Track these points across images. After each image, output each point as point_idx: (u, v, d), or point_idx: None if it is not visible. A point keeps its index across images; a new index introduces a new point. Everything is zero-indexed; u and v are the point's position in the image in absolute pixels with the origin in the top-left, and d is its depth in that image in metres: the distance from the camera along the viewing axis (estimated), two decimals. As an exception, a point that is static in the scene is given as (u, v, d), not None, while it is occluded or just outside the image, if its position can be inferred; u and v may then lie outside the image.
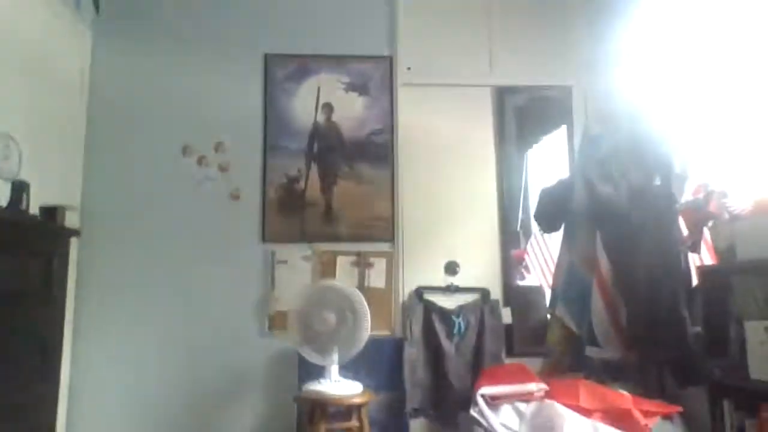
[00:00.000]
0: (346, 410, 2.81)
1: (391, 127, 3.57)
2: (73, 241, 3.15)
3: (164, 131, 3.48)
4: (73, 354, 3.27)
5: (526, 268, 3.79)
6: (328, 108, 3.57)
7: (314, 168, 3.52)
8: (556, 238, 3.36)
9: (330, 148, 3.54)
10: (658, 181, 2.71)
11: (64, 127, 3.28)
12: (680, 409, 2.39)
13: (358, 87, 3.60)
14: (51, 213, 2.76)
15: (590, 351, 2.91)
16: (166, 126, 3.49)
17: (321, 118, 3.56)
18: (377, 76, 3.62)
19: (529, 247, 3.81)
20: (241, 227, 3.43)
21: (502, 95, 3.71)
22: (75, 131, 3.40)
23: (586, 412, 2.39)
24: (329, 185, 3.51)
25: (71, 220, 3.11)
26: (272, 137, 3.52)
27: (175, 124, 3.49)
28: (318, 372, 2.88)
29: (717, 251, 2.38)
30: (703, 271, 2.41)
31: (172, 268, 3.37)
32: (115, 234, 3.39)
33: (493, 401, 2.64)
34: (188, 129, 3.49)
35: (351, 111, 3.58)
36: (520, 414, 2.59)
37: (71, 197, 3.30)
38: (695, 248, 2.47)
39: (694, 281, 2.50)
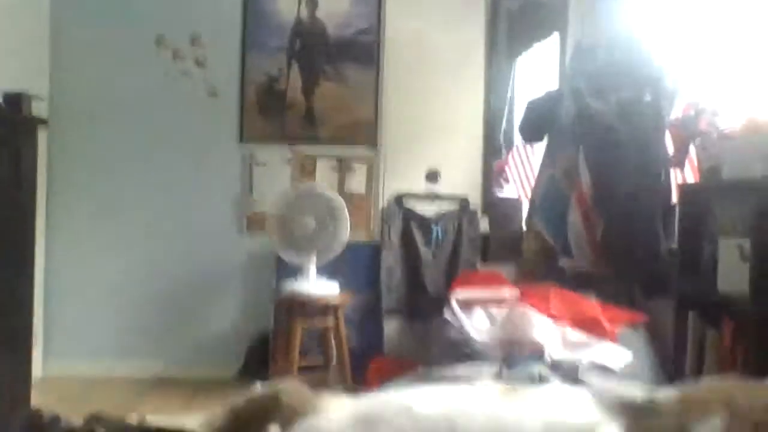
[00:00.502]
0: (323, 310, 2.87)
1: (378, 27, 3.39)
2: (43, 135, 3.01)
3: (137, 19, 3.27)
4: (47, 252, 3.22)
5: (506, 179, 3.80)
6: (313, 3, 3.35)
7: (295, 67, 3.36)
8: (538, 150, 3.35)
9: (313, 47, 3.37)
10: (648, 98, 2.67)
11: (27, 14, 3.03)
12: (646, 318, 2.50)
13: (345, -20, 3.38)
14: (15, 100, 2.60)
15: (563, 261, 2.99)
16: (139, 13, 3.27)
17: (304, 13, 3.35)
18: (365, -31, 3.38)
19: (510, 158, 3.79)
20: (219, 126, 3.33)
21: (495, -2, 3.53)
22: (39, 18, 3.15)
23: (556, 319, 2.48)
24: (311, 86, 3.37)
25: (39, 110, 2.95)
26: (252, 33, 3.32)
27: (149, 12, 3.27)
28: (296, 271, 2.91)
29: (701, 169, 2.39)
30: (684, 189, 2.43)
31: (146, 163, 3.29)
32: (86, 126, 3.26)
33: (467, 305, 2.72)
34: (162, 18, 3.28)
35: (337, 6, 3.37)
36: (491, 318, 2.68)
37: (38, 88, 3.11)
38: (679, 165, 2.47)
39: (674, 199, 2.54)
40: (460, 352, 2.27)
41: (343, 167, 3.38)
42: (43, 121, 2.94)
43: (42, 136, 3.02)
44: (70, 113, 3.24)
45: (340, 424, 0.74)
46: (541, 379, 1.10)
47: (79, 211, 3.26)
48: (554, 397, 0.73)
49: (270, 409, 0.84)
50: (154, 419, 0.98)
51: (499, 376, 1.28)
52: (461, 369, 1.46)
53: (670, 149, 2.55)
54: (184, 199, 3.32)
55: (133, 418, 0.97)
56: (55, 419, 0.73)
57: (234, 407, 0.89)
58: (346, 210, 2.85)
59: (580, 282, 2.83)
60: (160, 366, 3.21)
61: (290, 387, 0.88)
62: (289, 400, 0.83)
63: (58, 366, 3.18)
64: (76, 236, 3.26)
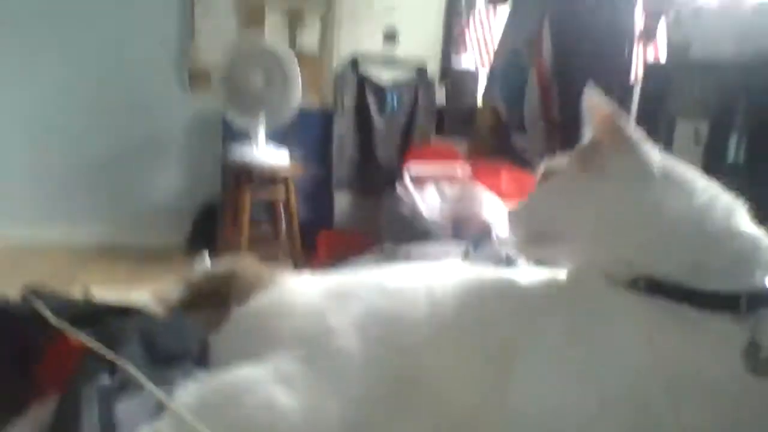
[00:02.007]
0: (273, 180, 2.76)
1: None
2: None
3: None
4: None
5: (465, 45, 3.63)
6: None
7: None
8: (501, 17, 3.19)
9: None
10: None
11: None
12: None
13: None
14: None
15: (516, 138, 2.97)
16: None
17: None
18: None
19: (470, 21, 3.59)
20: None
21: None
22: None
23: (506, 197, 2.49)
24: None
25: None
26: None
27: None
28: (244, 137, 2.74)
29: (669, 46, 2.32)
30: (648, 67, 2.37)
31: (72, 11, 2.88)
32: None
33: (419, 181, 2.69)
34: None
35: None
36: (443, 195, 2.67)
37: None
38: (648, 39, 2.39)
39: (635, 76, 2.49)
40: (411, 228, 2.27)
41: (294, 21, 3.09)
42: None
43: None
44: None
45: (308, 298, 0.70)
46: (509, 262, 1.09)
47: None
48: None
49: (228, 284, 0.79)
50: (99, 292, 0.90)
51: (466, 256, 1.27)
52: (428, 247, 1.45)
53: (640, 22, 2.45)
54: (118, 49, 2.97)
55: (76, 292, 0.89)
56: None
57: (189, 282, 0.83)
58: (297, 66, 2.64)
59: (530, 158, 2.83)
60: (101, 234, 3.04)
61: (247, 264, 0.83)
62: (248, 276, 0.78)
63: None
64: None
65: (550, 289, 0.67)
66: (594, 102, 0.66)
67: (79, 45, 2.95)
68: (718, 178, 0.65)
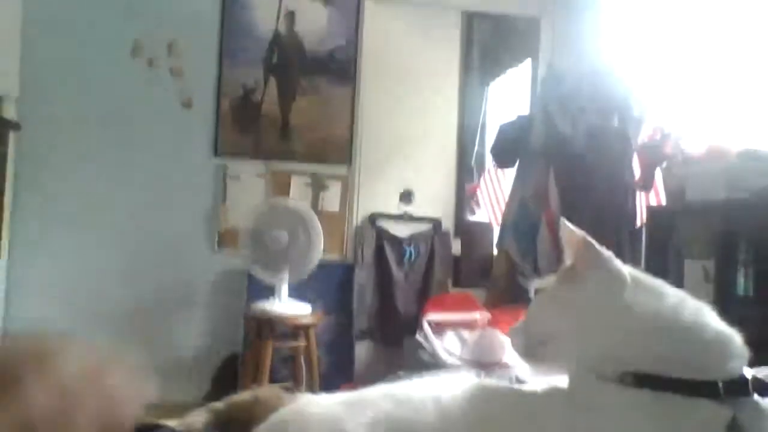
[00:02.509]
0: (294, 330, 2.82)
1: (355, 44, 3.41)
2: (11, 136, 2.94)
3: (112, 25, 3.21)
4: (9, 258, 3.10)
5: (477, 203, 3.84)
6: (291, 17, 3.36)
7: (272, 81, 3.35)
8: (509, 175, 3.40)
9: (290, 61, 3.37)
10: (615, 122, 2.75)
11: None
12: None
13: (324, -3, 3.40)
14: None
15: (531, 284, 3.01)
16: (115, 19, 3.21)
17: (282, 27, 3.36)
18: (344, -14, 3.42)
19: (482, 182, 3.84)
20: (192, 138, 3.28)
21: (470, 21, 3.61)
22: (11, 20, 3.09)
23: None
24: (288, 100, 3.36)
25: (8, 112, 2.90)
26: (229, 43, 3.31)
27: (126, 18, 3.22)
28: (267, 292, 2.86)
29: (667, 192, 2.45)
30: (651, 210, 2.49)
31: (116, 171, 3.21)
32: (56, 131, 3.17)
33: (438, 327, 2.71)
34: (139, 25, 3.23)
35: (314, 22, 3.39)
36: (462, 341, 2.67)
37: (8, 90, 3.04)
38: (646, 188, 2.54)
39: (640, 221, 2.59)
40: (431, 373, 2.25)
41: (317, 184, 3.36)
42: (16, 126, 2.87)
43: (11, 140, 2.96)
44: (41, 117, 3.15)
45: (325, 407, 0.74)
46: (519, 381, 1.12)
47: (44, 219, 3.15)
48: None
49: (251, 409, 0.83)
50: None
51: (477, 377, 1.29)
52: (441, 375, 1.46)
53: (637, 172, 2.61)
54: (154, 211, 3.24)
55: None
56: None
57: (214, 409, 0.87)
58: (319, 225, 2.83)
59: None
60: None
61: (269, 390, 0.88)
62: (270, 401, 0.83)
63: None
64: (39, 244, 3.14)
65: (550, 391, 0.72)
66: (567, 231, 0.76)
67: (124, 216, 3.21)
68: (731, 311, 0.72)
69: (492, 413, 0.70)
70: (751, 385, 0.61)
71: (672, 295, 0.70)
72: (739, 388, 0.60)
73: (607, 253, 0.74)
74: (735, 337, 0.66)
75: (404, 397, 0.74)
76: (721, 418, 0.58)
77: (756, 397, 0.60)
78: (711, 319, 0.67)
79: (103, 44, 3.21)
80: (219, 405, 0.91)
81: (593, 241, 0.74)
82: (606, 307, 0.70)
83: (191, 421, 0.89)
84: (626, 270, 0.73)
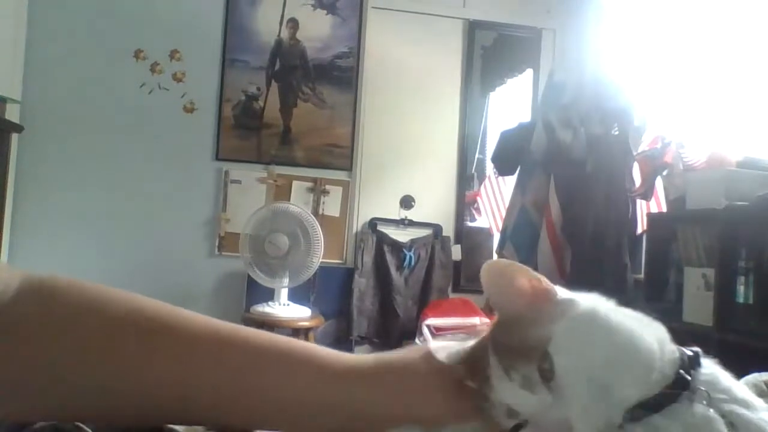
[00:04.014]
0: (293, 334, 2.81)
1: (357, 52, 3.44)
2: (14, 138, 2.96)
3: (116, 29, 3.24)
4: (9, 259, 3.11)
5: (478, 210, 3.84)
6: (294, 24, 3.39)
7: (274, 87, 3.37)
8: (509, 182, 3.40)
9: (292, 68, 3.39)
10: (616, 131, 2.76)
11: (4, 19, 3.00)
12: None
13: (327, 5, 3.42)
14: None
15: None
16: (119, 24, 3.25)
17: (285, 34, 3.39)
18: (348, -6, 3.44)
19: (482, 189, 3.85)
20: (194, 142, 3.30)
21: (472, 30, 3.63)
22: (16, 23, 3.12)
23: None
24: (289, 106, 3.38)
25: (11, 113, 2.91)
26: (232, 50, 3.34)
27: (129, 23, 3.25)
28: (267, 295, 2.86)
29: (667, 200, 2.47)
30: (651, 218, 2.50)
31: (118, 175, 3.22)
32: (58, 134, 3.19)
33: (438, 332, 2.71)
34: (142, 30, 3.26)
35: (317, 30, 3.42)
36: (462, 345, 2.67)
37: (11, 92, 3.06)
38: (647, 196, 2.55)
39: (641, 229, 2.60)
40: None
41: (318, 189, 3.37)
42: (18, 128, 2.89)
43: (13, 139, 2.98)
44: (43, 120, 3.17)
45: None
46: None
47: (44, 221, 3.17)
48: None
49: None
50: None
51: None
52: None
53: (638, 181, 2.62)
54: (155, 215, 3.25)
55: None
56: None
57: None
58: (319, 229, 2.84)
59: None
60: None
61: None
62: None
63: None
64: (40, 246, 3.15)
65: None
66: None
67: (125, 219, 3.22)
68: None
69: None
70: None
71: None
72: None
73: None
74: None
75: None
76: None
77: None
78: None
79: (106, 49, 3.24)
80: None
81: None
82: None
83: (200, 429, 0.89)
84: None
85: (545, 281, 0.44)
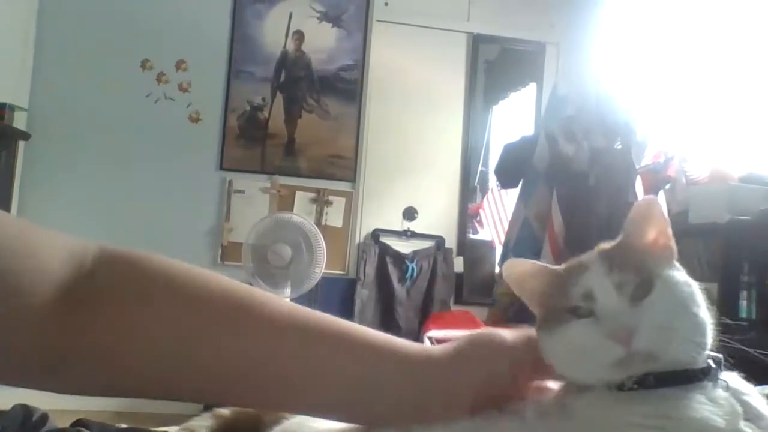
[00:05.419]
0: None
1: (362, 64, 3.47)
2: (20, 145, 2.99)
3: (123, 39, 3.27)
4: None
5: (480, 222, 3.85)
6: (299, 36, 3.43)
7: (279, 98, 3.40)
8: (512, 195, 3.41)
9: (297, 79, 3.42)
10: (618, 145, 2.77)
11: (13, 27, 3.04)
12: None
13: (332, 18, 3.46)
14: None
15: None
16: (126, 34, 3.28)
17: (290, 46, 3.42)
18: (353, 8, 3.48)
19: (485, 202, 3.85)
20: (199, 152, 3.32)
21: (476, 44, 3.66)
22: (25, 32, 3.16)
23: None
24: (294, 117, 3.40)
25: (19, 121, 2.94)
26: (237, 61, 3.37)
27: (136, 33, 3.29)
28: (268, 305, 2.86)
29: (670, 214, 2.47)
30: (653, 233, 2.50)
31: (122, 184, 3.24)
32: (63, 142, 3.22)
33: (439, 344, 2.70)
34: (149, 40, 3.30)
35: (322, 42, 3.45)
36: (464, 358, 2.66)
37: (18, 100, 3.09)
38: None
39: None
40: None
41: (321, 200, 3.38)
42: (25, 135, 2.92)
43: (20, 148, 3.01)
44: (49, 128, 3.19)
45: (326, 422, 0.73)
46: None
47: (50, 227, 3.17)
48: None
49: (257, 415, 0.82)
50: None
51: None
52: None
53: (641, 195, 2.63)
54: (159, 223, 3.26)
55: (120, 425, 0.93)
56: (44, 416, 0.69)
57: (219, 414, 0.87)
58: (322, 240, 2.84)
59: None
60: (128, 399, 3.04)
61: None
62: None
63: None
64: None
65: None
66: None
67: (129, 227, 3.21)
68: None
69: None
70: None
71: None
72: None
73: None
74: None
75: None
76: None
77: None
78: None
79: (113, 59, 3.27)
80: (224, 411, 0.90)
81: None
82: None
83: (195, 426, 0.89)
84: None
85: (673, 242, 0.53)
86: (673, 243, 0.52)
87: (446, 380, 0.49)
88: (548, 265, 0.54)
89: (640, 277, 0.48)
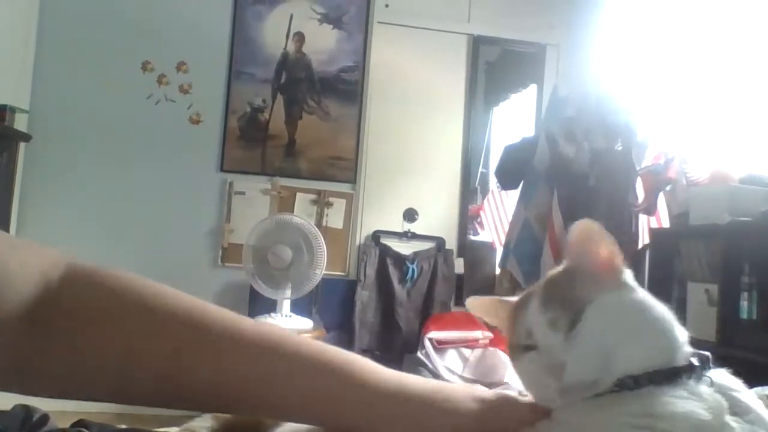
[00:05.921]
0: (295, 345, 2.80)
1: (362, 65, 3.47)
2: (21, 147, 3.00)
3: (124, 41, 3.28)
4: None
5: (481, 224, 3.85)
6: (300, 38, 3.43)
7: (280, 99, 3.40)
8: (512, 196, 3.42)
9: (298, 81, 3.43)
10: (619, 146, 2.77)
11: (13, 29, 3.05)
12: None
13: (333, 19, 3.47)
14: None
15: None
16: (127, 36, 3.29)
17: (291, 47, 3.43)
18: (353, 9, 3.49)
19: (485, 203, 3.85)
20: (199, 153, 3.32)
21: (476, 46, 3.66)
22: (26, 34, 3.16)
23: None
24: (294, 119, 3.41)
25: (20, 122, 2.95)
26: (238, 63, 3.37)
27: (137, 35, 3.29)
28: (269, 307, 2.86)
29: (670, 215, 2.47)
30: (654, 233, 2.50)
31: (122, 185, 3.24)
32: (64, 143, 3.22)
33: (440, 345, 2.71)
34: (150, 42, 3.30)
35: (323, 44, 3.45)
36: (464, 359, 2.67)
37: (19, 101, 3.09)
38: (650, 211, 2.55)
39: (644, 244, 2.60)
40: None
41: (321, 201, 3.39)
42: (26, 137, 2.92)
43: (21, 150, 3.01)
44: (50, 129, 3.20)
45: None
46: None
47: (49, 229, 3.18)
48: None
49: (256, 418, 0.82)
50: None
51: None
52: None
53: (641, 196, 2.63)
54: (159, 225, 3.27)
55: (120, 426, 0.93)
56: (44, 417, 0.70)
57: (218, 415, 0.87)
58: (322, 241, 2.85)
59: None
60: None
61: None
62: None
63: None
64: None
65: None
66: None
67: (129, 228, 3.24)
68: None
69: None
70: None
71: None
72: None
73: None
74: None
75: None
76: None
77: None
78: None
79: (113, 60, 3.28)
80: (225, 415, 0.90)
81: None
82: None
83: (195, 427, 0.89)
84: None
85: (619, 259, 0.52)
86: (618, 260, 0.52)
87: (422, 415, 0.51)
88: (503, 298, 0.57)
89: (571, 310, 0.49)
